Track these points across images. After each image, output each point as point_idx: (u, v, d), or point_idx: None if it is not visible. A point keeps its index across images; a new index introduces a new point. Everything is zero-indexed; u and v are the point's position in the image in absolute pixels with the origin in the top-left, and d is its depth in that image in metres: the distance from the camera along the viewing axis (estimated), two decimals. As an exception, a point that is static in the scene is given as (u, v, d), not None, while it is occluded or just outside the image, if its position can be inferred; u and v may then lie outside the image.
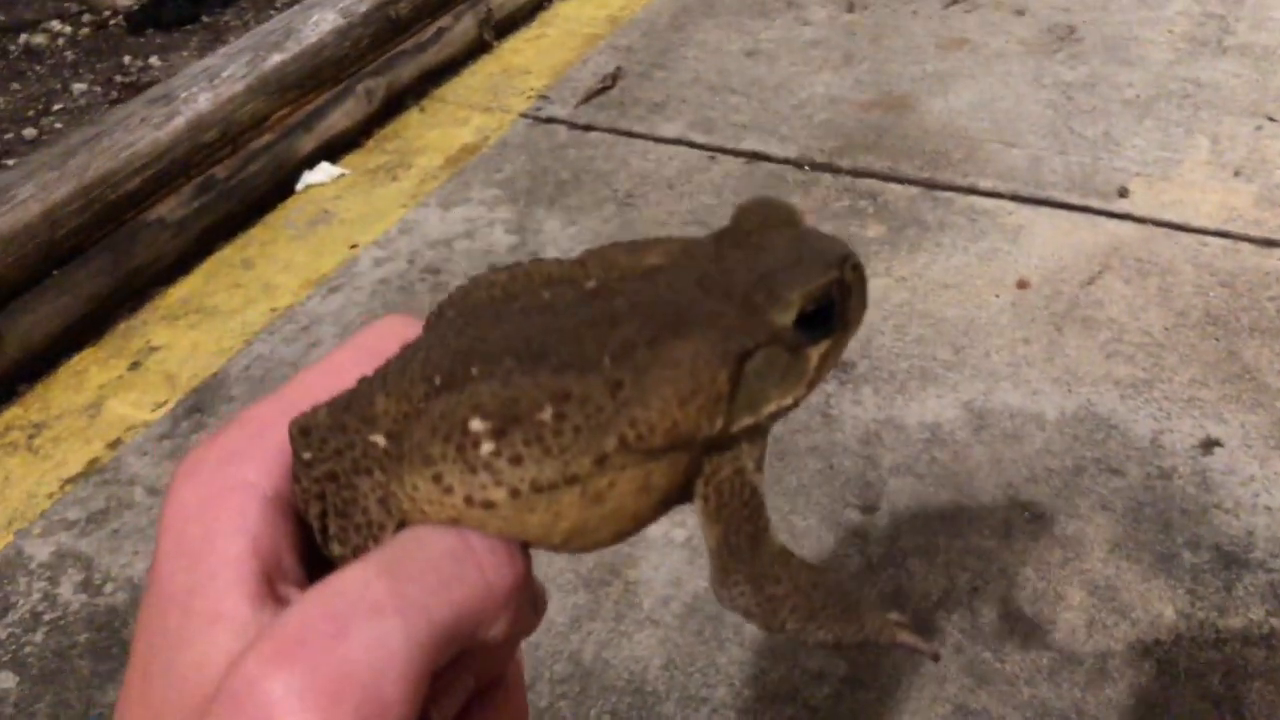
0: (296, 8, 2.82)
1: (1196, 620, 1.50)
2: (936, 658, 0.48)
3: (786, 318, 0.41)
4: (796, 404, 0.44)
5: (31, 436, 2.01)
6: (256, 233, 2.52)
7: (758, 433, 0.45)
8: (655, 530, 1.69)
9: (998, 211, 2.35)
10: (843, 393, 1.90)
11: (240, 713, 0.34)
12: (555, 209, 2.48)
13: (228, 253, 2.46)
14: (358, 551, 0.42)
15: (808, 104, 2.78)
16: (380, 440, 0.41)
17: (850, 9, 3.24)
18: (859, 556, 1.61)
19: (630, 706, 1.45)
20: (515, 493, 0.40)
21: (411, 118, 2.90)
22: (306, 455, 0.42)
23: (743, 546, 0.43)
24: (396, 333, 0.44)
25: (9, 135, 3.17)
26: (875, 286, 2.15)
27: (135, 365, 2.16)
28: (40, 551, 1.77)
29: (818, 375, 0.44)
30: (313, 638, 0.35)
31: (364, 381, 0.42)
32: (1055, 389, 1.88)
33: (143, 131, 2.32)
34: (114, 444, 1.97)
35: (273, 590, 0.39)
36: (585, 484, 0.40)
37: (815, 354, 0.43)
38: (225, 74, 2.50)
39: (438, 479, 0.40)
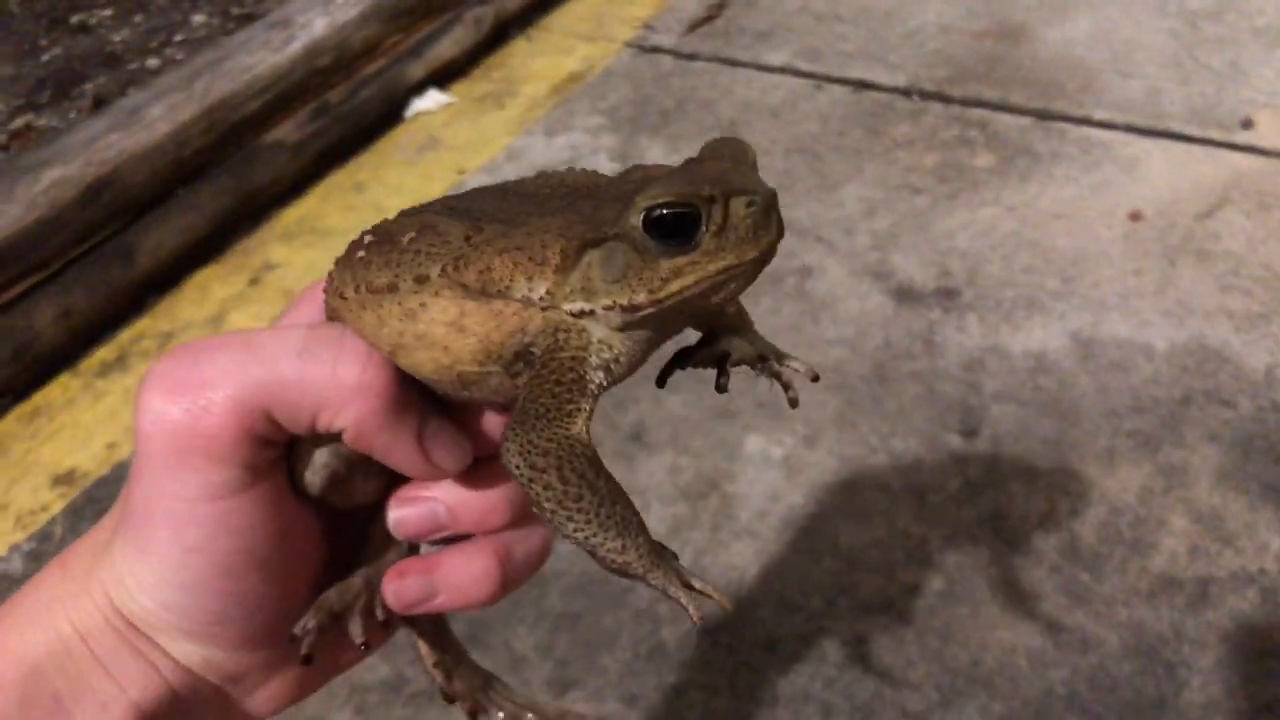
0: (408, -64, 2.86)
1: (1305, 553, 1.48)
2: (696, 621, 0.48)
3: (635, 218, 0.45)
4: (637, 311, 0.46)
5: (161, 345, 2.12)
6: (368, 157, 2.59)
7: (619, 341, 0.48)
8: (752, 446, 1.72)
9: (1112, 143, 2.29)
10: (947, 320, 1.90)
11: (139, 385, 0.48)
12: (659, 137, 2.50)
13: (340, 176, 2.54)
14: None
15: (918, 32, 2.73)
16: None
17: (964, -64, 3.15)
18: (959, 478, 1.62)
19: (727, 612, 1.49)
20: (357, 288, 0.49)
21: (518, 46, 2.93)
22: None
23: (532, 414, 0.46)
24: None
25: (134, 65, 3.30)
26: (984, 216, 2.13)
27: (254, 281, 2.26)
28: (171, 449, 1.88)
29: (665, 289, 0.46)
30: (193, 348, 0.49)
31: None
32: (1166, 321, 1.84)
33: (262, 55, 2.40)
34: (237, 353, 2.07)
35: None
36: (403, 297, 0.48)
37: (666, 265, 0.46)
38: (340, 0, 2.56)
39: (332, 276, 0.51)
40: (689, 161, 0.50)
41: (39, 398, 2.04)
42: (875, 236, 2.11)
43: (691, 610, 0.48)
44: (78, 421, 1.97)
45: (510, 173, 2.44)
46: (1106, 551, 1.50)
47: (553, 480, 0.46)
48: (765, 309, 1.97)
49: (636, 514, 0.47)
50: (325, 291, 0.53)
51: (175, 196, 2.27)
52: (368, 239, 0.51)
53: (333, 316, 0.53)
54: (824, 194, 2.24)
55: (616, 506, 0.46)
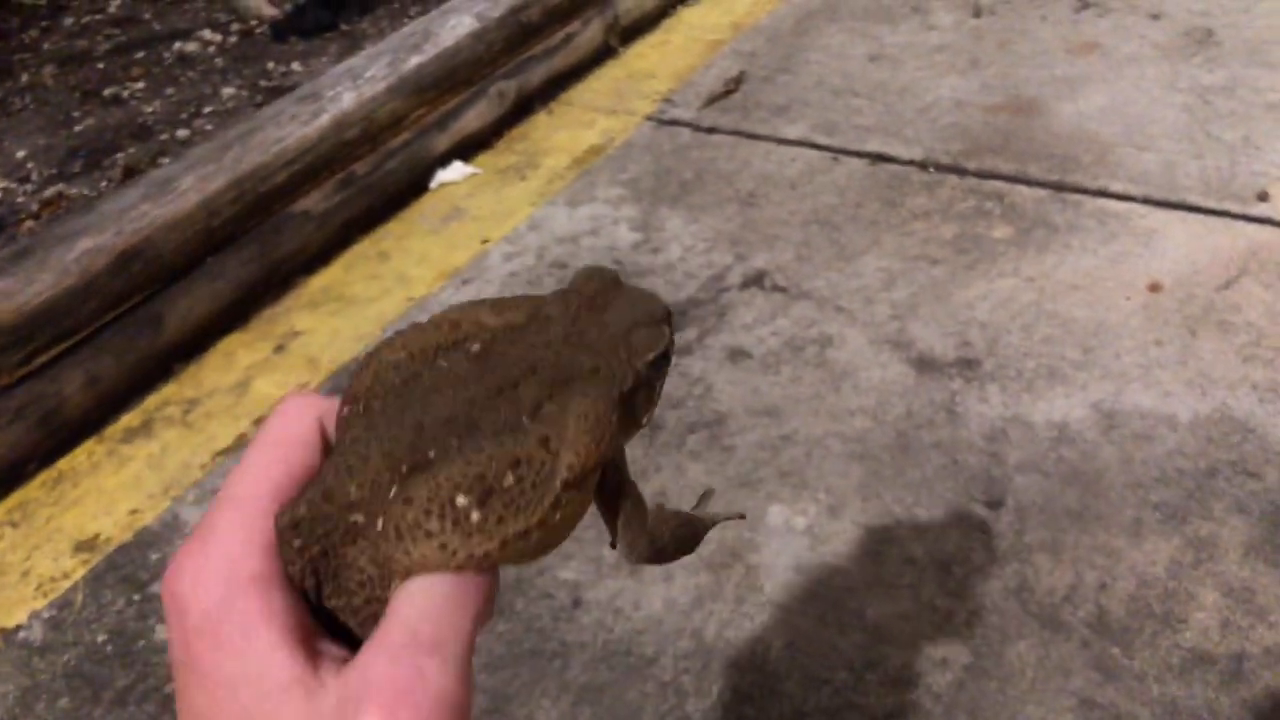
0: (435, 12, 2.94)
1: (1339, 628, 1.46)
2: (742, 516, 0.74)
3: (644, 364, 0.53)
4: (650, 421, 0.57)
5: (186, 412, 2.14)
6: (393, 227, 2.63)
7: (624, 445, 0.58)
8: (776, 517, 1.71)
9: (1129, 215, 2.31)
10: (968, 390, 1.90)
11: None
12: (679, 208, 2.53)
13: (365, 245, 2.58)
14: (356, 598, 0.51)
15: (933, 107, 2.77)
16: (360, 518, 0.50)
17: (977, 14, 3.22)
18: (984, 550, 1.61)
19: (752, 684, 1.47)
20: (504, 543, 0.50)
21: (540, 119, 2.99)
22: (297, 543, 0.50)
23: (634, 521, 0.57)
24: (302, 415, 0.52)
25: (164, 136, 3.38)
26: (1002, 286, 2.14)
27: (280, 349, 2.28)
28: (194, 517, 1.89)
29: (658, 398, 0.56)
30: (404, 683, 0.44)
31: (330, 473, 0.51)
32: (1188, 391, 1.84)
33: (291, 128, 2.45)
34: (260, 421, 2.09)
35: (314, 648, 0.47)
36: (546, 521, 0.51)
37: (658, 384, 0.55)
38: (368, 74, 2.62)
39: (443, 547, 0.49)
40: (578, 296, 0.56)
41: (63, 464, 2.05)
42: (894, 306, 2.13)
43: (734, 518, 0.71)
44: (101, 487, 1.98)
45: (533, 242, 2.48)
46: (1136, 625, 1.48)
47: (673, 544, 0.60)
48: (786, 378, 1.98)
49: (692, 519, 0.61)
50: (428, 565, 0.50)
51: (204, 265, 2.31)
52: (463, 500, 0.51)
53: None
54: (843, 264, 2.27)
55: (694, 519, 0.61)
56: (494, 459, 0.50)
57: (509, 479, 0.50)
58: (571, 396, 0.51)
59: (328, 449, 0.52)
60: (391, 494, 0.49)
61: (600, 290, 0.55)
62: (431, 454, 0.50)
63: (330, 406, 0.52)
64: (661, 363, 0.54)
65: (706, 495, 0.70)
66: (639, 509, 0.57)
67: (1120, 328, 2.00)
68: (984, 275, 2.19)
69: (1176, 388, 1.85)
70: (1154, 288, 2.09)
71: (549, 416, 0.51)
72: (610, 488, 0.57)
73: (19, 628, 1.73)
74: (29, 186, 3.15)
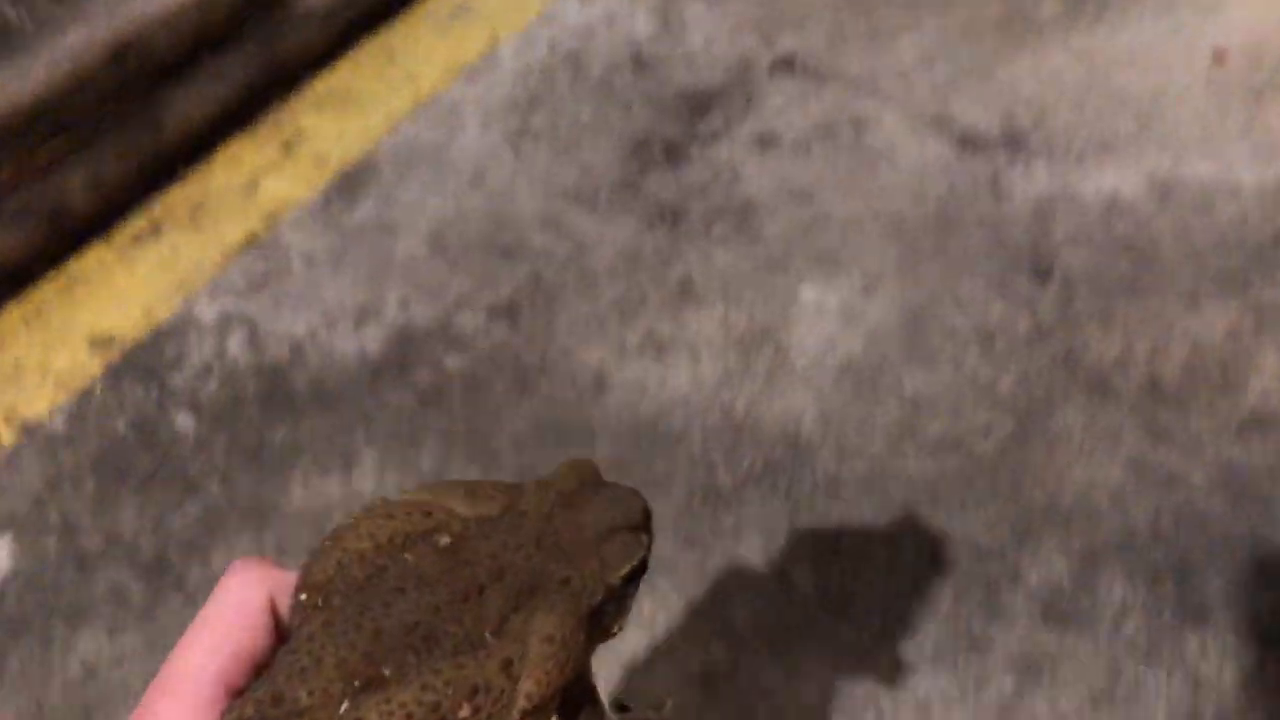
0: None
1: (1406, 391, 1.38)
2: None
3: (617, 578, 0.51)
4: (622, 629, 0.55)
5: (194, 213, 2.07)
6: (399, 26, 2.49)
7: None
8: (807, 296, 1.64)
9: (1190, -16, 2.13)
10: (1013, 166, 1.79)
11: None
12: (702, -5, 2.37)
13: (372, 45, 2.44)
14: None
15: (976, -120, 2.56)
16: None
17: None
18: (1029, 320, 1.53)
19: (784, 457, 1.42)
20: None
21: (552, -90, 2.79)
22: None
23: None
24: (252, 591, 0.49)
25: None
26: (1051, 63, 2.00)
27: (287, 150, 2.19)
28: (208, 313, 1.83)
29: (632, 604, 0.54)
30: None
31: (281, 673, 0.47)
32: (1253, 160, 1.72)
33: (287, -85, 2.30)
34: (270, 219, 2.01)
35: None
36: None
37: (631, 595, 0.53)
38: None
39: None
40: (556, 492, 0.53)
41: (73, 268, 1.99)
42: (934, 87, 1.99)
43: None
44: (113, 288, 1.92)
45: (544, 35, 2.34)
46: (1191, 391, 1.41)
47: None
48: (819, 161, 1.87)
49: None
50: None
51: (202, 64, 2.19)
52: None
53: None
54: (878, 45, 2.12)
55: None
56: (451, 685, 0.47)
57: (465, 710, 0.47)
58: (537, 610, 0.49)
59: (278, 627, 0.49)
60: (342, 709, 0.46)
61: (579, 487, 0.53)
62: (387, 671, 0.47)
63: (283, 580, 0.50)
64: (636, 576, 0.51)
65: (669, 699, 0.70)
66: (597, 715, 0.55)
67: (1179, 98, 1.86)
68: (1031, 52, 2.04)
69: (1239, 156, 1.73)
70: (1219, 57, 1.94)
71: (513, 631, 0.48)
72: (572, 702, 0.53)
73: (41, 421, 1.70)
74: None
